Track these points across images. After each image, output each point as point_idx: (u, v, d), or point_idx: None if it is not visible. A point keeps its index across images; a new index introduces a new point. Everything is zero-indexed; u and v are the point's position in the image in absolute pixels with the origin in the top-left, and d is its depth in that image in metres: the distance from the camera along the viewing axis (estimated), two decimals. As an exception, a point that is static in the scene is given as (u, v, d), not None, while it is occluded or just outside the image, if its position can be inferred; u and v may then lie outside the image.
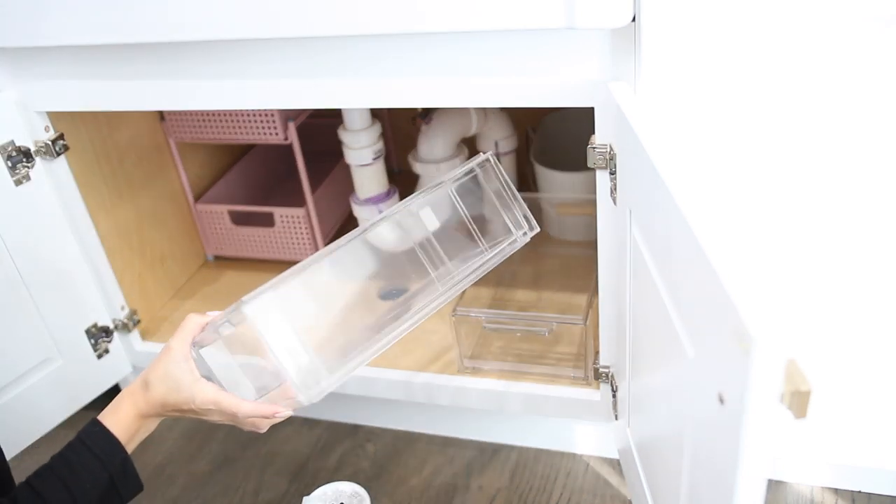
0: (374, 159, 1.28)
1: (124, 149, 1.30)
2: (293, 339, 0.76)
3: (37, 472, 0.78)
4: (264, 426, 0.83)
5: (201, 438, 1.35)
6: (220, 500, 1.23)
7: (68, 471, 0.78)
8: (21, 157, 1.10)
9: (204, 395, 0.79)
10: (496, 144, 1.36)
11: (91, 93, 1.06)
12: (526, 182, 1.44)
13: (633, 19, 0.77)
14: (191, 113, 1.34)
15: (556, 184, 1.34)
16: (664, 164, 0.67)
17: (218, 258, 1.54)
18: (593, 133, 0.88)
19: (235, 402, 0.80)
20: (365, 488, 1.08)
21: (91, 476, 0.79)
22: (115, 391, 1.27)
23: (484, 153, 0.92)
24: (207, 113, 1.34)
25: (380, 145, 1.28)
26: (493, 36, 0.86)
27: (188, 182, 1.45)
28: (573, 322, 1.13)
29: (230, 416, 0.80)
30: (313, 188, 1.39)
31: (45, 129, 1.12)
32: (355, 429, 1.33)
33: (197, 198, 1.48)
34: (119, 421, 0.81)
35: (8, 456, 0.91)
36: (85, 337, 1.24)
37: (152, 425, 0.84)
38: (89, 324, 1.24)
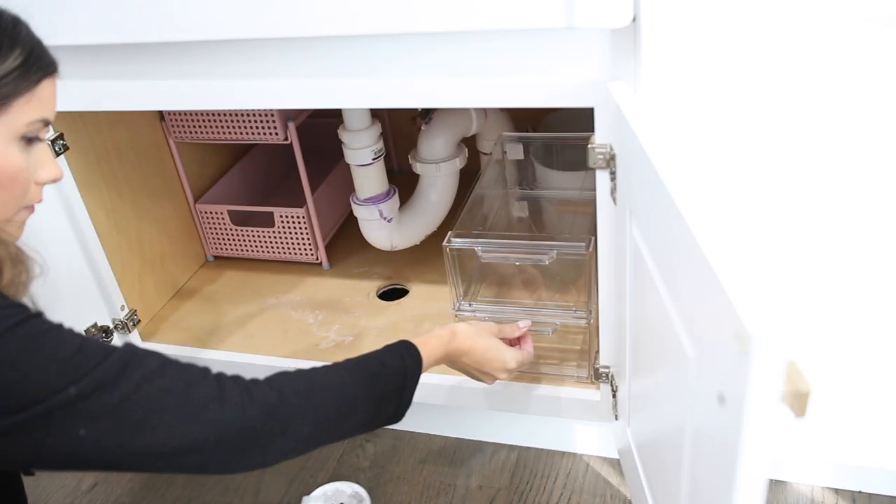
0: (374, 159, 1.28)
1: (124, 149, 1.30)
2: None
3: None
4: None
5: (201, 438, 1.34)
6: (220, 500, 1.23)
7: (365, 358, 0.84)
8: (21, 157, 1.09)
9: (518, 356, 1.00)
10: (496, 144, 1.36)
11: (91, 93, 1.06)
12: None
13: (633, 19, 0.77)
14: (191, 113, 1.34)
15: (555, 183, 1.34)
16: (664, 165, 0.67)
17: (218, 258, 1.54)
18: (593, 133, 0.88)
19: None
20: (365, 488, 1.08)
21: (388, 375, 0.84)
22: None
23: None
24: (207, 113, 1.34)
25: (380, 145, 1.28)
26: (493, 36, 0.86)
27: (188, 182, 1.45)
28: (578, 320, 1.13)
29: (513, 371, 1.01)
30: (313, 188, 1.39)
31: (45, 129, 1.12)
32: (355, 429, 1.33)
33: (197, 198, 1.48)
34: (425, 345, 0.90)
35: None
36: (85, 337, 1.24)
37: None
38: (89, 324, 1.24)
